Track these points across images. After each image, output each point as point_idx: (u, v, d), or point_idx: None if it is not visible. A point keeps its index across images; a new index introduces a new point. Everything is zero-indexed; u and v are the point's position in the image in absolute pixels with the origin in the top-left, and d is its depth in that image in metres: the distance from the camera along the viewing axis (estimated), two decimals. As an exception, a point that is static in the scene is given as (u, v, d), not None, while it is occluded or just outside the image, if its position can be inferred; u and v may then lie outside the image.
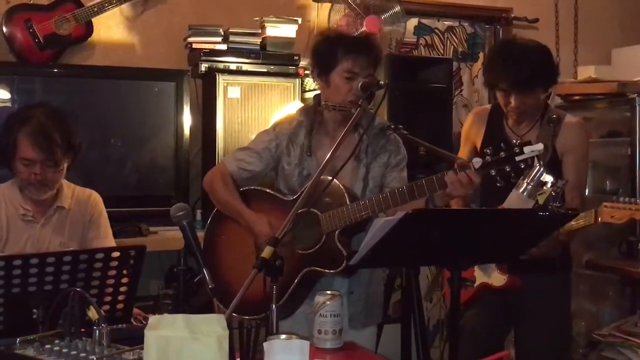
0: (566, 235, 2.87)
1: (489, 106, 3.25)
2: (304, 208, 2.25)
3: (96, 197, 2.95)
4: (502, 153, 2.26)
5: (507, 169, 2.25)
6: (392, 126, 2.68)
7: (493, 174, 2.27)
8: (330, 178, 2.36)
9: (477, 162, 2.30)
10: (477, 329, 3.06)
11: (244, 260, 2.50)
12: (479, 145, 3.03)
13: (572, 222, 2.79)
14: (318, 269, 2.54)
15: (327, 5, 4.26)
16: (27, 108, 2.94)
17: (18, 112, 2.89)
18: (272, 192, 2.71)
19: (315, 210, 2.53)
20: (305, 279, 2.56)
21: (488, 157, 2.28)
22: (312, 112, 2.71)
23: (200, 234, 2.22)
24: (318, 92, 2.77)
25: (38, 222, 2.80)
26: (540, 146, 2.24)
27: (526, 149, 2.23)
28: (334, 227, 2.52)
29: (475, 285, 2.99)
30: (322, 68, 2.62)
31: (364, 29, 4.09)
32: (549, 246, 2.83)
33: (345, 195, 2.53)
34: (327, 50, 2.62)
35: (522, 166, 2.24)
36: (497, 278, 2.92)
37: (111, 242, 2.93)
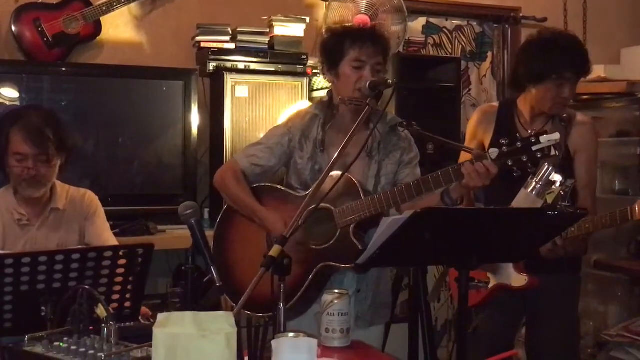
0: (588, 234, 2.85)
1: (495, 104, 3.24)
2: (316, 203, 2.25)
3: (91, 195, 2.96)
4: (519, 143, 2.26)
5: (524, 159, 2.25)
6: (404, 122, 2.67)
7: (510, 164, 2.27)
8: (341, 173, 2.36)
9: (493, 152, 2.30)
10: (492, 332, 3.06)
11: (255, 259, 2.49)
12: (487, 143, 3.01)
13: (603, 220, 2.78)
14: (333, 264, 2.54)
15: (335, 4, 4.25)
16: (19, 108, 3.00)
17: (9, 112, 2.95)
18: (284, 188, 2.70)
19: (328, 206, 2.53)
20: (319, 275, 2.55)
21: (505, 148, 2.28)
22: (327, 107, 2.71)
23: (209, 233, 2.22)
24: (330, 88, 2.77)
25: (34, 225, 2.82)
26: (556, 135, 2.23)
27: (542, 139, 2.23)
28: (349, 221, 2.52)
29: (490, 286, 2.97)
30: (331, 62, 2.63)
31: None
32: (576, 247, 2.83)
33: (360, 189, 2.54)
34: (334, 44, 2.64)
35: (539, 156, 2.24)
36: (516, 278, 2.91)
37: (109, 237, 2.93)
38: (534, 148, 2.24)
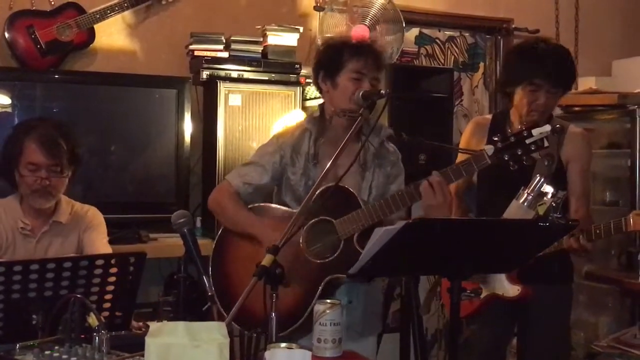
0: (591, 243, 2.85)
1: (489, 116, 3.26)
2: (312, 216, 2.25)
3: (94, 212, 2.97)
4: (512, 137, 2.32)
5: (519, 153, 2.31)
6: (394, 135, 2.69)
7: (506, 158, 2.33)
8: (335, 185, 2.36)
9: (489, 149, 2.36)
10: (484, 342, 3.06)
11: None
12: None
13: (597, 231, 2.79)
14: (340, 275, 2.52)
15: (329, 14, 4.26)
16: (32, 119, 3.01)
17: (22, 122, 2.97)
18: (280, 207, 2.69)
19: (328, 218, 2.53)
20: (326, 289, 2.53)
21: (499, 143, 2.33)
22: (319, 121, 2.72)
23: (201, 241, 2.22)
24: (321, 101, 2.78)
25: (35, 236, 2.83)
26: (547, 128, 2.29)
27: (534, 132, 2.30)
28: (352, 231, 2.51)
29: (482, 297, 2.97)
30: (329, 71, 2.64)
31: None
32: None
33: (359, 199, 2.55)
34: (333, 53, 2.65)
35: (533, 148, 2.31)
36: (509, 289, 2.91)
37: (103, 249, 2.91)
38: (527, 141, 2.30)
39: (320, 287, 2.52)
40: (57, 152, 2.74)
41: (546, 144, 2.32)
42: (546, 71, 2.84)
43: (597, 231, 2.77)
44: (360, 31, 4.08)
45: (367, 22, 4.13)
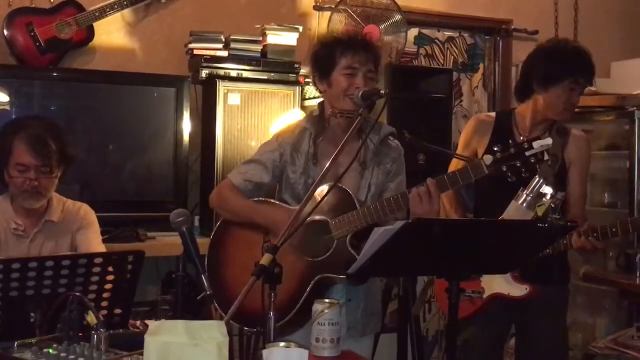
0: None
1: (493, 113, 3.23)
2: (309, 214, 2.25)
3: (86, 209, 2.95)
4: (512, 149, 2.30)
5: (518, 165, 2.30)
6: (396, 133, 2.69)
7: (504, 169, 2.31)
8: (333, 184, 2.36)
9: (487, 158, 2.35)
10: (483, 344, 3.05)
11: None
12: (481, 152, 3.00)
13: (613, 230, 2.79)
14: (331, 275, 2.54)
15: (328, 13, 4.26)
16: (22, 118, 3.00)
17: (12, 121, 2.95)
18: (279, 202, 2.69)
19: (324, 218, 2.54)
20: (316, 287, 2.54)
21: (498, 154, 2.32)
22: (318, 120, 2.72)
23: (199, 240, 2.21)
24: (321, 99, 2.78)
25: (28, 236, 2.82)
26: (549, 140, 2.28)
27: (535, 144, 2.28)
28: (345, 232, 2.52)
29: (484, 296, 2.95)
30: (323, 71, 2.64)
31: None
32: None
33: (355, 200, 2.55)
34: (325, 53, 2.64)
35: (533, 160, 2.29)
36: (516, 288, 2.90)
37: (98, 247, 2.91)
38: (527, 153, 2.28)
39: (310, 285, 2.53)
40: (46, 152, 2.72)
41: (546, 157, 2.31)
42: (588, 71, 2.92)
43: (614, 229, 2.77)
44: (370, 33, 4.09)
45: (369, 21, 4.13)
